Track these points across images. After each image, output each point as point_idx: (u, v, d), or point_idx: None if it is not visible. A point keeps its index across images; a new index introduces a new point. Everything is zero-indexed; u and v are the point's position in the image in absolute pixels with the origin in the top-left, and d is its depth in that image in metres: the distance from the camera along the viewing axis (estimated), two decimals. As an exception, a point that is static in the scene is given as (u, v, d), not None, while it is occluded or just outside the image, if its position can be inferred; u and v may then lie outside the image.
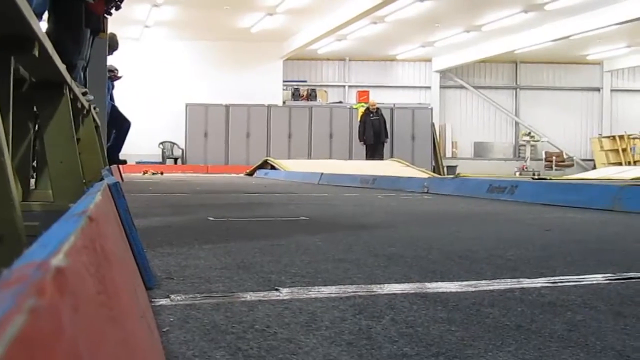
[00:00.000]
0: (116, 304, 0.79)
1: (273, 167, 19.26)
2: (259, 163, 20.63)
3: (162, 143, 25.55)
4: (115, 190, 2.24)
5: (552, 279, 2.64)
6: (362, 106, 24.64)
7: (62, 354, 0.40)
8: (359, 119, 23.58)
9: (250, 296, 2.22)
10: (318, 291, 2.33)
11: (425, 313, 2.00)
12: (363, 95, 27.41)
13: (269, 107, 25.74)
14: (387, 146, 23.58)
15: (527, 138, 28.28)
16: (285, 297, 2.21)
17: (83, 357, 0.46)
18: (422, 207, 7.32)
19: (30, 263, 0.48)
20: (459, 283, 2.53)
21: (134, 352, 0.82)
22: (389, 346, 1.63)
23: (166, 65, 25.47)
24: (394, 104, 27.12)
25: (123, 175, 14.21)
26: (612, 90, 30.24)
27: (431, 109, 27.73)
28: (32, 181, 4.96)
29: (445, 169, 27.29)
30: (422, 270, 2.83)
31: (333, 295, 2.26)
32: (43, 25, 3.55)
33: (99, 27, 6.31)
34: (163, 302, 2.11)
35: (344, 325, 1.84)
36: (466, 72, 29.45)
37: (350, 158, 24.12)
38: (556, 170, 27.54)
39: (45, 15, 4.84)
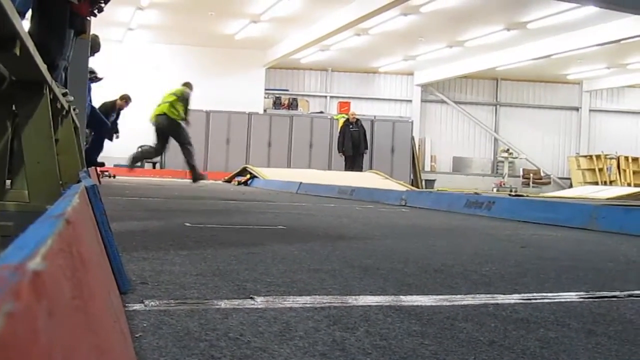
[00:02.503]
0: (91, 308, 0.79)
1: (252, 175, 19.22)
2: (238, 170, 20.58)
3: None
4: (93, 193, 2.22)
5: (526, 295, 2.66)
6: (343, 117, 24.70)
7: (37, 358, 0.40)
8: (339, 129, 23.63)
9: (224, 304, 2.22)
10: (293, 301, 2.32)
11: (400, 326, 2.00)
12: (344, 106, 27.48)
13: (250, 114, 25.70)
14: (366, 158, 23.63)
15: (506, 154, 28.50)
16: (260, 306, 2.21)
17: (57, 361, 0.46)
18: (399, 219, 7.34)
19: (7, 265, 0.48)
20: (434, 297, 2.54)
21: (107, 357, 0.82)
22: (362, 358, 1.64)
23: (148, 68, 25.36)
24: (375, 116, 27.21)
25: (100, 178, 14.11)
26: (590, 110, 30.57)
27: (411, 122, 27.83)
28: (8, 181, 4.91)
29: (423, 182, 27.40)
30: (398, 282, 2.84)
31: (308, 305, 2.26)
32: (25, 25, 3.52)
33: (83, 28, 6.27)
34: (137, 307, 2.10)
35: (318, 335, 1.84)
36: (447, 87, 29.64)
37: (329, 168, 24.13)
38: (533, 187, 27.78)
39: (29, 14, 4.81)
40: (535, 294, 2.69)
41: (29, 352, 0.39)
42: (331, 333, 1.87)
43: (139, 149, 16.34)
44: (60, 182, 3.88)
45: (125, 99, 16.22)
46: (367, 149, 22.85)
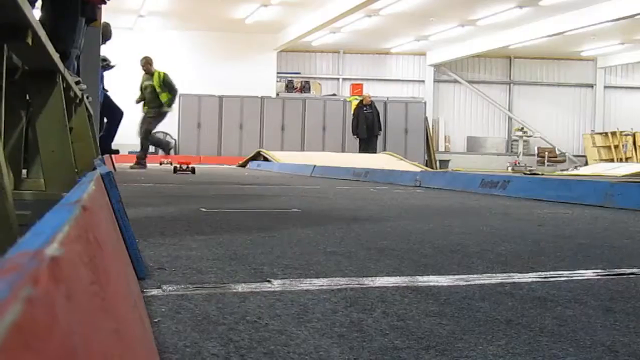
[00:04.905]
0: (109, 294, 0.79)
1: (266, 159, 19.26)
2: (252, 154, 20.62)
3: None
4: (108, 180, 2.23)
5: (542, 274, 2.65)
6: (356, 99, 24.62)
7: (56, 344, 0.40)
8: (352, 112, 23.57)
9: (242, 287, 2.23)
10: (310, 283, 2.33)
11: (417, 306, 2.01)
12: (357, 88, 27.40)
13: (263, 98, 25.70)
14: (380, 139, 23.58)
15: (520, 133, 28.36)
16: (277, 289, 2.21)
17: (76, 346, 0.46)
18: (414, 200, 7.33)
19: (25, 252, 0.48)
20: (450, 277, 2.54)
21: (126, 342, 0.82)
22: (380, 339, 1.64)
23: (160, 55, 25.25)
24: (388, 98, 27.12)
25: (115, 164, 14.17)
26: (605, 87, 30.32)
27: (424, 102, 27.74)
28: (24, 170, 4.94)
29: (437, 163, 27.33)
30: (414, 263, 2.84)
31: (325, 287, 2.27)
32: (36, 13, 3.52)
33: (94, 16, 6.28)
34: (155, 292, 2.11)
35: (336, 317, 1.84)
36: (460, 67, 29.47)
37: (343, 150, 24.11)
38: (548, 165, 27.64)
39: (39, 3, 4.82)
40: (552, 272, 2.68)
41: (48, 337, 0.39)
42: (348, 314, 1.88)
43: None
44: (76, 170, 3.91)
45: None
46: (381, 130, 22.80)
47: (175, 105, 24.70)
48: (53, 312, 0.42)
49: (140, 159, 16.00)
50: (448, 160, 27.62)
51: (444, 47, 27.30)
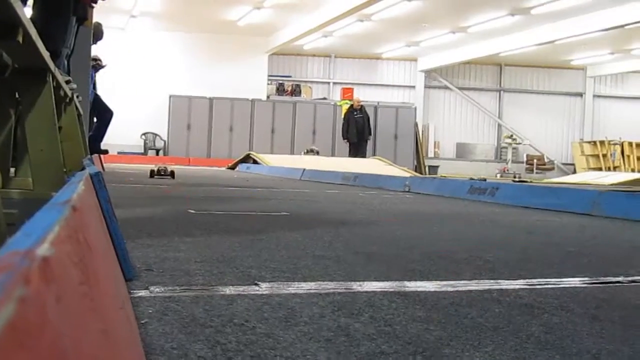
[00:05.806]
0: (97, 294, 0.79)
1: (255, 162, 19.24)
2: (242, 157, 20.59)
3: (144, 134, 25.42)
4: (97, 180, 2.22)
5: (530, 281, 2.66)
6: (346, 103, 24.64)
7: (46, 343, 0.40)
8: (342, 116, 23.59)
9: (229, 290, 2.22)
10: (297, 287, 2.33)
11: (404, 312, 2.01)
12: (347, 92, 27.42)
13: (253, 101, 25.69)
14: (369, 144, 23.61)
15: (509, 140, 28.45)
16: (264, 292, 2.21)
17: (66, 346, 0.46)
18: (403, 206, 7.35)
19: (16, 252, 0.48)
20: (438, 283, 2.54)
21: (113, 343, 0.82)
22: (367, 344, 1.64)
23: (151, 55, 25.32)
24: (378, 102, 27.17)
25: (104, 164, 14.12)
26: (594, 96, 30.47)
27: (415, 108, 27.80)
28: (12, 169, 4.91)
29: (427, 168, 27.38)
30: (402, 269, 2.84)
31: (312, 291, 2.27)
32: (27, 11, 3.51)
33: (85, 15, 6.26)
34: (142, 293, 2.11)
35: (323, 321, 1.84)
36: (451, 73, 29.55)
37: (333, 155, 24.12)
38: (537, 173, 27.74)
39: (30, 2, 4.80)
40: (539, 280, 2.69)
41: (39, 337, 0.39)
42: (336, 319, 1.88)
43: None
44: (64, 170, 3.89)
45: None
46: (371, 135, 22.82)
47: (165, 106, 24.80)
48: (44, 312, 0.42)
49: None
50: (437, 166, 27.69)
51: (435, 53, 27.37)
